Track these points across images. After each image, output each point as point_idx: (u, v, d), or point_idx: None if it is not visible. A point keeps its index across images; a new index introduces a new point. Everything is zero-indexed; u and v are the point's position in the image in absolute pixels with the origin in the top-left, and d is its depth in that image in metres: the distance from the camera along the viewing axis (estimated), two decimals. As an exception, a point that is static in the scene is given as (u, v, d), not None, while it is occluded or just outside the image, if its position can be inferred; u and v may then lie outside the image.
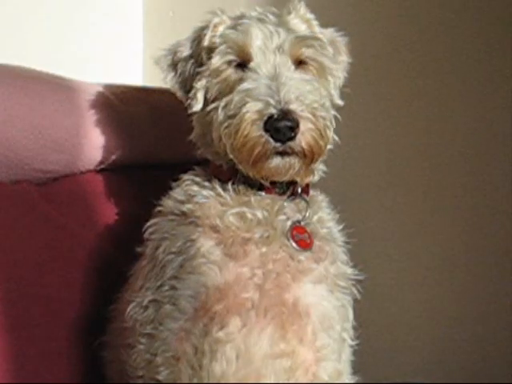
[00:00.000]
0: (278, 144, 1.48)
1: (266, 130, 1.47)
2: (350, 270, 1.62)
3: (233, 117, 1.51)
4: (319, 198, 1.66)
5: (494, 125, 2.21)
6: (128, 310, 1.59)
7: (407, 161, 2.33)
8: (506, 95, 2.18)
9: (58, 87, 1.93)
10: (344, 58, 1.69)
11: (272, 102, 1.47)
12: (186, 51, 1.65)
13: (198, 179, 1.64)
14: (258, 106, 1.48)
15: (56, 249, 1.86)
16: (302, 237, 1.57)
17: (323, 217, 1.63)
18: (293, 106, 1.48)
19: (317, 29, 1.66)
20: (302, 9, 1.67)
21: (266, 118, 1.47)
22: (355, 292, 1.61)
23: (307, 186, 1.63)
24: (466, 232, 2.24)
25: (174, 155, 2.01)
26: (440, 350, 2.26)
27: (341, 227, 1.65)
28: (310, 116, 1.50)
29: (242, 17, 1.63)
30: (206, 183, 1.62)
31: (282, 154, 1.50)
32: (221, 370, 1.51)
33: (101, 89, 1.99)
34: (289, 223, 1.57)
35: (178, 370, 1.53)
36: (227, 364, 1.51)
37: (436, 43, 2.29)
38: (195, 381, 1.53)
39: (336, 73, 1.65)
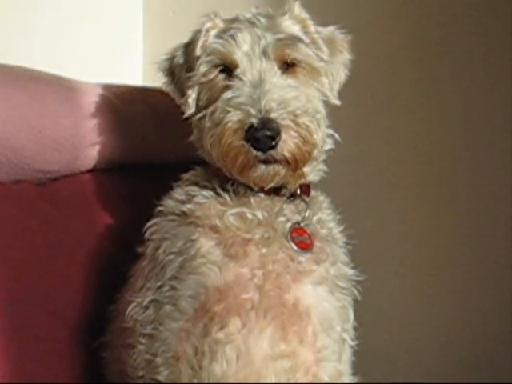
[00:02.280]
0: (260, 153, 1.48)
1: (248, 139, 1.47)
2: (350, 271, 1.62)
3: (217, 125, 1.51)
4: (320, 198, 1.66)
5: (494, 125, 2.20)
6: (128, 310, 1.59)
7: (409, 162, 2.32)
8: (507, 95, 2.17)
9: (58, 87, 1.93)
10: (344, 57, 1.66)
11: (253, 111, 1.47)
12: (180, 56, 1.65)
13: (198, 179, 1.64)
14: (239, 115, 1.48)
15: (56, 249, 1.87)
16: (301, 238, 1.57)
17: (323, 218, 1.63)
18: (273, 115, 1.47)
19: (312, 28, 1.64)
20: (297, 9, 1.65)
21: (246, 127, 1.47)
22: (356, 293, 1.62)
23: (308, 186, 1.63)
24: (467, 233, 2.24)
25: (174, 155, 2.01)
26: (440, 350, 2.26)
27: (341, 228, 1.65)
28: (291, 124, 1.49)
29: (235, 20, 1.62)
30: (207, 183, 1.62)
31: (266, 162, 1.50)
32: (221, 370, 1.51)
33: (101, 89, 1.99)
34: (289, 225, 1.57)
35: (178, 370, 1.54)
36: (227, 365, 1.51)
37: (437, 42, 2.29)
38: (195, 381, 1.53)
39: (333, 72, 1.63)
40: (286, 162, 1.51)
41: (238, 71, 1.54)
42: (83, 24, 2.69)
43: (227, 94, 1.52)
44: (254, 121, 1.46)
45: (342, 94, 1.65)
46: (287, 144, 1.49)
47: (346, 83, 1.67)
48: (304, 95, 1.55)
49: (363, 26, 2.32)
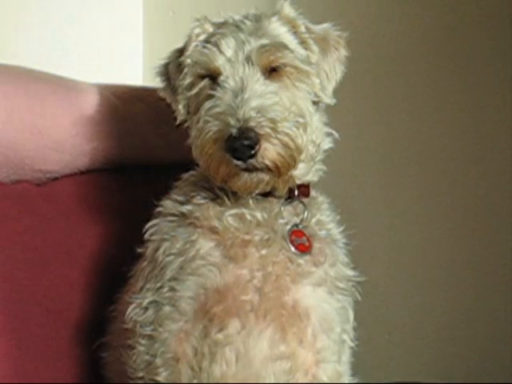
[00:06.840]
0: (240, 162, 1.47)
1: (227, 149, 1.46)
2: (350, 272, 1.61)
3: (199, 135, 1.52)
4: (319, 199, 1.65)
5: (494, 125, 2.21)
6: (128, 311, 1.59)
7: (410, 162, 2.33)
8: (506, 95, 2.17)
9: (58, 87, 1.93)
10: (340, 53, 1.63)
11: (231, 121, 1.46)
12: (173, 62, 1.65)
13: (197, 180, 1.64)
14: (218, 125, 1.48)
15: (56, 249, 1.87)
16: (300, 240, 1.56)
17: (322, 219, 1.62)
18: (252, 124, 1.46)
19: (302, 28, 1.61)
20: (286, 9, 1.62)
21: (225, 137, 1.46)
22: (356, 293, 1.61)
23: (307, 187, 1.62)
24: (467, 234, 2.24)
25: (173, 155, 2.00)
26: (440, 351, 2.27)
27: (341, 229, 1.64)
28: (270, 132, 1.47)
29: (222, 24, 1.60)
30: (205, 184, 1.62)
31: (248, 170, 1.49)
32: (220, 371, 1.52)
33: (101, 89, 1.98)
34: (288, 227, 1.57)
35: (177, 371, 1.54)
36: (227, 366, 1.51)
37: (439, 40, 2.29)
38: (195, 382, 1.53)
39: (327, 71, 1.60)
40: (267, 169, 1.50)
41: (221, 78, 1.53)
42: (83, 24, 2.69)
43: (208, 104, 1.52)
44: (233, 131, 1.46)
45: (341, 93, 1.63)
46: (268, 152, 1.48)
47: (345, 82, 1.64)
48: (287, 100, 1.53)
49: (363, 24, 2.32)
